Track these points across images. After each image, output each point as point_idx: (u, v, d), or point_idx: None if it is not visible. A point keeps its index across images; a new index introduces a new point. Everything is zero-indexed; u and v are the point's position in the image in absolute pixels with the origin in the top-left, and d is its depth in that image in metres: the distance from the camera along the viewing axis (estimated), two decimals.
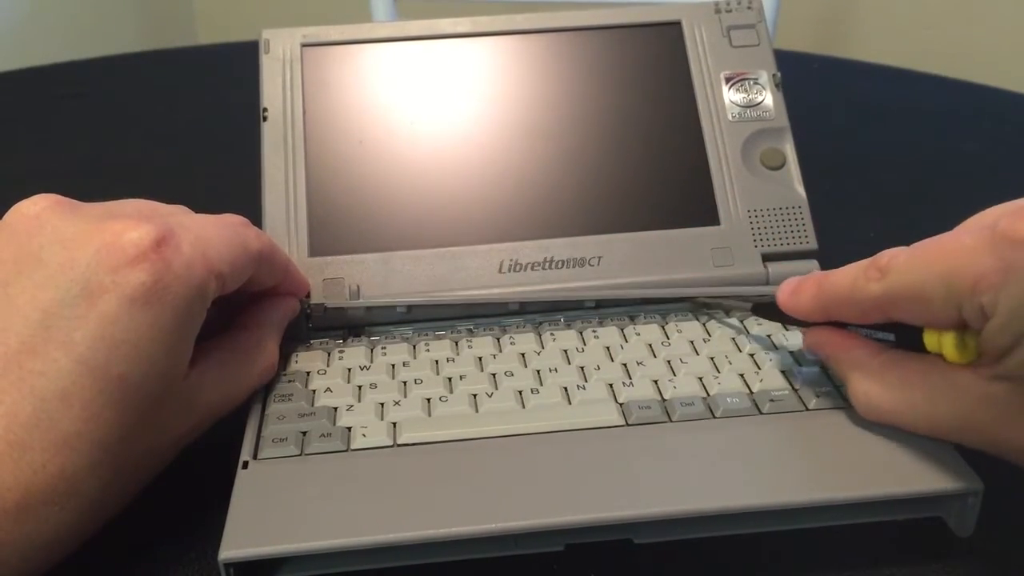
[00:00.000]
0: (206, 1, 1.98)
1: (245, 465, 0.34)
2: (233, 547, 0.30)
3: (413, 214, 0.43)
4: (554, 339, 0.40)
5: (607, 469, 0.33)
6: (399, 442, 0.35)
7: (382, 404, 0.37)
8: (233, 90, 0.56)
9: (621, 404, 0.36)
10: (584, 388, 0.37)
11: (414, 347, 0.40)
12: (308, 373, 0.39)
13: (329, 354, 0.40)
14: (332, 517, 0.31)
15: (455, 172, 0.44)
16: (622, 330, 0.41)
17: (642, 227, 0.43)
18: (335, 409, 0.37)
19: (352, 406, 0.37)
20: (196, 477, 0.37)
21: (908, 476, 0.33)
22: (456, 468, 0.33)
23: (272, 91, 0.45)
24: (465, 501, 0.32)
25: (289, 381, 0.38)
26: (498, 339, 0.41)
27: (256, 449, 0.35)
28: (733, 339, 0.40)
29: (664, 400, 0.36)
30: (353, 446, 0.35)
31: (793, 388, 0.37)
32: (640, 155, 0.45)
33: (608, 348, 0.40)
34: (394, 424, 0.36)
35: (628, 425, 0.35)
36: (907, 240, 0.32)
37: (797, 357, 0.39)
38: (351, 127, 0.44)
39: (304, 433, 0.35)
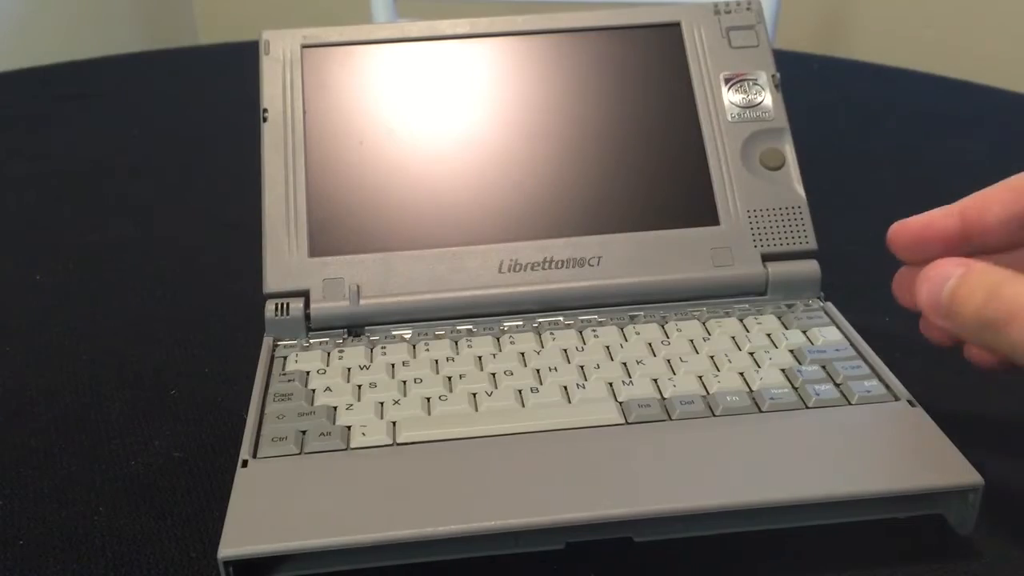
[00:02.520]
0: (206, 1, 1.98)
1: (244, 464, 0.34)
2: (232, 545, 0.30)
3: (413, 214, 0.43)
4: (554, 338, 0.40)
5: (607, 467, 0.33)
6: (399, 441, 0.35)
7: (381, 403, 0.37)
8: (233, 90, 0.56)
9: (621, 403, 0.36)
10: (584, 387, 0.37)
11: (414, 347, 0.40)
12: (308, 373, 0.39)
13: (329, 354, 0.40)
14: (331, 515, 0.31)
15: (455, 173, 0.44)
16: (622, 329, 0.41)
17: (642, 227, 0.43)
18: (334, 408, 0.37)
19: (352, 405, 0.37)
20: (196, 476, 0.38)
21: (908, 472, 0.33)
22: (456, 466, 0.34)
23: (272, 92, 0.45)
24: (465, 499, 0.32)
25: (289, 381, 0.38)
26: (498, 339, 0.41)
27: (255, 448, 0.35)
28: (733, 338, 0.40)
29: (664, 399, 0.37)
30: (352, 445, 0.35)
31: (793, 386, 0.37)
32: (640, 156, 0.45)
33: (608, 347, 0.40)
34: (393, 423, 0.36)
35: (628, 423, 0.36)
36: None
37: (797, 355, 0.39)
38: (351, 128, 0.44)
39: (303, 432, 0.35)
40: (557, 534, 0.32)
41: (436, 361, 0.39)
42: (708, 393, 0.37)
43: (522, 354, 0.40)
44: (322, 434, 0.35)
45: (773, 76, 0.46)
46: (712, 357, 0.39)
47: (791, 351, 0.39)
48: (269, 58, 0.45)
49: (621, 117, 0.45)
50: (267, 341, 0.41)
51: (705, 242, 0.43)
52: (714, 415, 0.36)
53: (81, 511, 0.36)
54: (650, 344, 0.40)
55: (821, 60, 0.87)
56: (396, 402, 0.37)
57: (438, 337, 0.41)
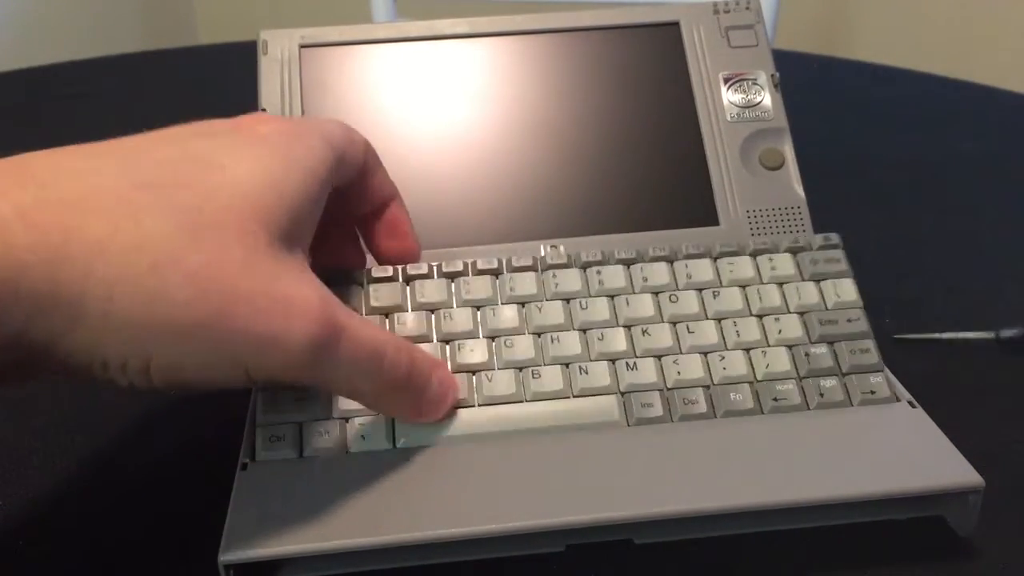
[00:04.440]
0: (206, 1, 1.98)
1: (244, 467, 0.34)
2: (233, 549, 0.30)
3: (412, 215, 0.43)
4: (556, 284, 0.39)
5: (608, 469, 0.33)
6: (397, 442, 0.35)
7: None
8: (233, 90, 0.56)
9: (623, 394, 0.36)
10: (586, 371, 0.36)
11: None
12: None
13: None
14: (331, 518, 0.31)
15: (454, 173, 0.44)
16: (628, 267, 0.40)
17: (641, 228, 0.43)
18: (332, 408, 0.36)
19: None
20: (196, 477, 0.37)
21: (909, 474, 0.33)
22: (455, 468, 0.33)
23: (270, 92, 0.45)
24: (465, 502, 0.32)
25: None
26: (497, 276, 0.39)
27: (255, 450, 0.35)
28: (744, 290, 0.39)
29: (667, 389, 0.36)
30: (351, 449, 0.35)
31: (798, 374, 0.37)
32: (639, 156, 0.45)
33: (612, 300, 0.38)
34: (393, 419, 0.35)
35: (629, 425, 0.35)
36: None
37: (807, 324, 0.38)
38: None
39: (303, 434, 0.35)
40: (557, 537, 0.32)
41: (431, 318, 0.38)
42: (712, 382, 0.36)
43: (522, 306, 0.38)
44: (321, 435, 0.35)
45: (772, 76, 0.46)
46: (720, 322, 0.38)
47: (801, 314, 0.38)
48: (267, 58, 0.45)
49: (620, 117, 0.45)
50: None
51: (704, 243, 0.43)
52: (716, 416, 0.36)
53: (81, 511, 0.36)
54: (657, 297, 0.39)
55: (821, 60, 0.87)
56: None
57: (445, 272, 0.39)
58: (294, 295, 0.29)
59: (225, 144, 0.31)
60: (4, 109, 0.81)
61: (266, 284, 0.28)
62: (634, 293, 0.39)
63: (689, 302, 0.39)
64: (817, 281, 0.40)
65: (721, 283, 0.40)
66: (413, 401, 0.34)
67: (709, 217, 0.44)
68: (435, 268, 0.39)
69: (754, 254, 0.41)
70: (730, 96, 0.46)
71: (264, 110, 0.44)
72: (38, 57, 0.94)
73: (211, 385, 0.29)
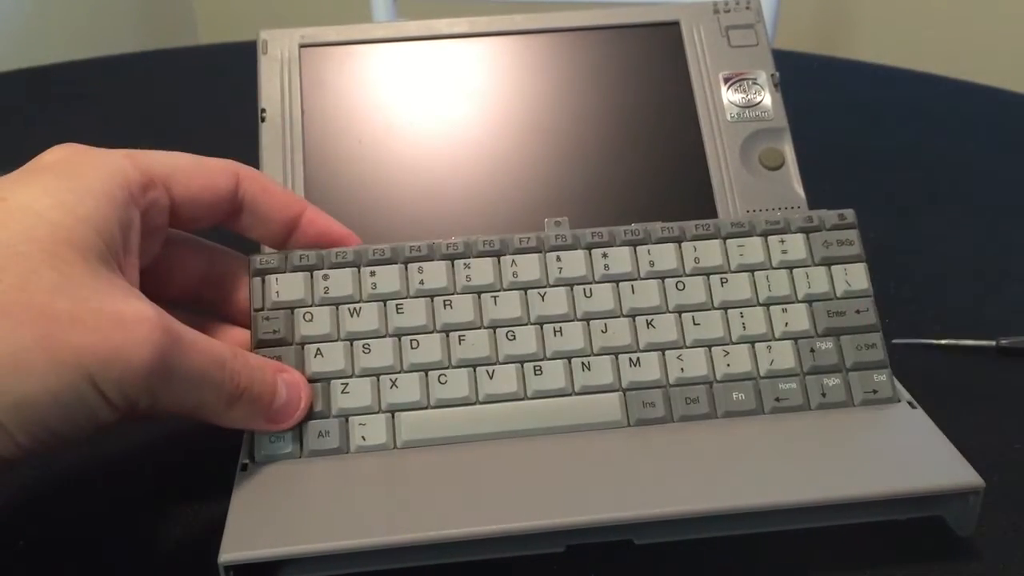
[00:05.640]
0: (206, 1, 1.98)
1: (244, 467, 0.34)
2: (233, 550, 0.30)
3: (413, 214, 0.43)
4: (560, 269, 0.38)
5: (608, 469, 0.33)
6: (398, 442, 0.35)
7: (378, 377, 0.36)
8: (233, 90, 0.56)
9: (625, 390, 0.36)
10: (588, 367, 0.36)
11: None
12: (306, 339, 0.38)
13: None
14: (332, 519, 0.31)
15: (454, 173, 0.44)
16: (635, 249, 0.39)
17: None
18: (331, 405, 0.36)
19: (347, 384, 0.36)
20: (197, 477, 0.38)
21: (909, 475, 0.33)
22: (456, 469, 0.33)
23: (270, 92, 0.45)
24: (465, 502, 0.32)
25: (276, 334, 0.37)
26: (498, 258, 0.38)
27: (254, 451, 0.35)
28: (752, 276, 0.38)
29: (668, 386, 0.36)
30: (352, 448, 0.35)
31: (802, 370, 0.37)
32: (639, 156, 0.45)
33: (618, 288, 0.38)
34: (392, 415, 0.35)
35: (630, 425, 0.35)
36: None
37: (815, 315, 0.38)
38: (350, 128, 0.44)
39: (302, 434, 0.35)
40: (557, 537, 0.32)
41: (432, 306, 0.37)
42: (715, 378, 0.36)
43: (524, 293, 0.38)
44: (321, 435, 0.35)
45: (772, 75, 0.46)
46: (726, 313, 0.38)
47: (809, 303, 0.38)
48: (267, 58, 0.45)
49: (620, 117, 0.45)
50: None
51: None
52: (717, 416, 0.36)
53: (81, 511, 0.36)
54: (663, 285, 0.38)
55: (821, 60, 0.87)
56: (394, 383, 0.36)
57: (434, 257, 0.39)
58: (127, 309, 0.28)
59: (6, 180, 0.30)
60: (4, 109, 0.81)
61: (94, 301, 0.28)
62: (640, 279, 0.38)
63: (696, 290, 0.38)
64: (828, 265, 0.39)
65: (730, 267, 0.39)
66: (262, 409, 0.33)
67: (709, 217, 0.44)
68: (435, 248, 0.38)
69: (765, 234, 0.39)
70: (730, 96, 0.46)
71: (264, 110, 0.44)
72: (38, 57, 0.94)
73: (77, 425, 0.28)
